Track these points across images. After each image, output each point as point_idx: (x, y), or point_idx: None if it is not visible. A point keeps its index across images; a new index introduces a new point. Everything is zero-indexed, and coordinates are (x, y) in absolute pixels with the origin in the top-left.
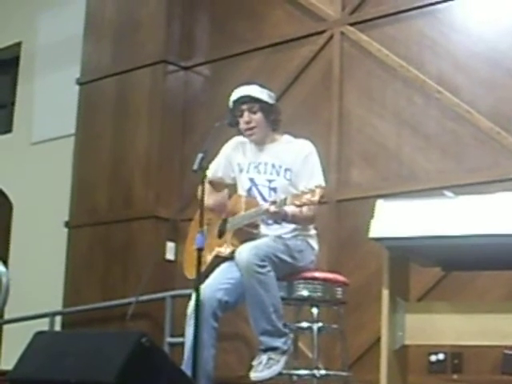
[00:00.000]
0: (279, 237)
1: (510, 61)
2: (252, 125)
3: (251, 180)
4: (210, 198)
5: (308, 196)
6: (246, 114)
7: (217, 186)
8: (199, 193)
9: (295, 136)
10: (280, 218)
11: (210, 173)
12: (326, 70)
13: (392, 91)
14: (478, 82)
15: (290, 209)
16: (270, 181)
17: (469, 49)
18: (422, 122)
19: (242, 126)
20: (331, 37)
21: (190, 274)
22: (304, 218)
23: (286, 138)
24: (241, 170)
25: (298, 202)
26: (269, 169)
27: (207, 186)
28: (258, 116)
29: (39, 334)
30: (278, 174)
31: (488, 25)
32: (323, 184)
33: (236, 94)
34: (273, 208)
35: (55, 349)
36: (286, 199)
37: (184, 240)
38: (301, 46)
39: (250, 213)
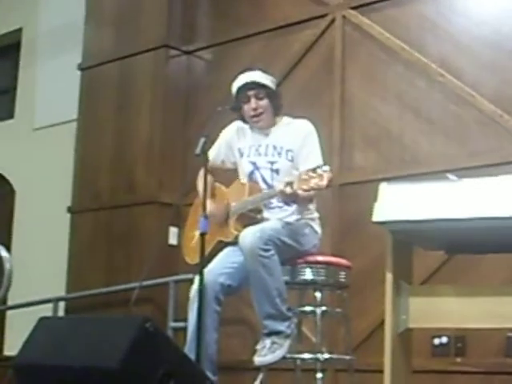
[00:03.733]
0: (282, 220)
1: None
2: (260, 111)
3: (253, 163)
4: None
5: (316, 180)
6: (253, 100)
7: (217, 172)
8: (199, 178)
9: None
10: (292, 199)
11: (210, 158)
12: (328, 54)
13: (394, 74)
14: (481, 65)
15: (300, 191)
16: (271, 162)
17: (471, 31)
18: (424, 106)
19: (249, 112)
20: (333, 20)
21: (191, 259)
22: (309, 198)
23: (285, 119)
24: (241, 155)
25: (305, 187)
26: (270, 150)
27: (208, 179)
28: (265, 102)
29: (43, 319)
30: (279, 156)
31: (490, 7)
32: (322, 163)
33: (241, 80)
34: (288, 189)
35: (59, 334)
36: (292, 183)
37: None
38: (302, 30)
39: (255, 197)
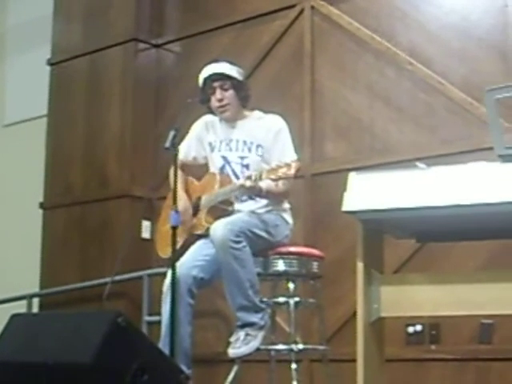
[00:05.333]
0: (253, 212)
1: (482, 31)
2: (225, 102)
3: (224, 158)
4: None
5: (284, 170)
6: (218, 91)
7: (189, 168)
8: (171, 172)
9: (267, 111)
10: (255, 193)
11: (181, 155)
12: (297, 45)
13: (364, 64)
14: (450, 53)
15: (264, 184)
16: (242, 158)
17: (440, 20)
18: (394, 95)
19: (215, 103)
20: (302, 11)
21: (164, 253)
22: (278, 192)
23: (257, 113)
24: (212, 149)
25: (273, 176)
26: (240, 145)
27: (179, 174)
28: (230, 93)
29: (15, 316)
30: (249, 151)
31: None
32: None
33: (207, 72)
34: (248, 183)
35: (32, 331)
36: (261, 174)
37: (158, 219)
38: (271, 21)
39: (224, 190)
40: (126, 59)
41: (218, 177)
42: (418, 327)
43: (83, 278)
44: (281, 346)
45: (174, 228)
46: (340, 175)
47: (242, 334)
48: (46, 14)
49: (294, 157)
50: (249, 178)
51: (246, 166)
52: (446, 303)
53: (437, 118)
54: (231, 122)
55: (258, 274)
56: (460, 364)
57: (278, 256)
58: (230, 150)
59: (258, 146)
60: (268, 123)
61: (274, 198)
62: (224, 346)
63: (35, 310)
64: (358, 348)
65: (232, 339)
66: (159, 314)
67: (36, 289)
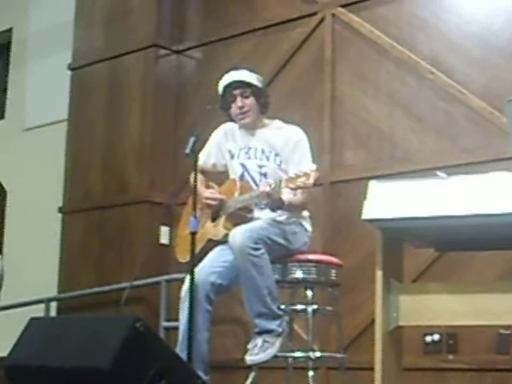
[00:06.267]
0: (272, 219)
1: (503, 40)
2: (245, 109)
3: (243, 165)
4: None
5: (303, 179)
6: (238, 98)
7: (208, 174)
8: (191, 178)
9: (286, 119)
10: (276, 205)
11: (201, 161)
12: (318, 52)
13: (384, 72)
14: (471, 62)
15: (286, 196)
16: (260, 166)
17: (461, 29)
18: (414, 103)
19: (235, 110)
20: (323, 19)
21: (183, 258)
22: (299, 203)
23: (277, 123)
24: (232, 157)
25: (292, 185)
26: (259, 154)
27: (200, 177)
28: (251, 100)
29: (34, 320)
30: (267, 159)
31: (480, 4)
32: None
33: (227, 79)
34: (267, 188)
35: (50, 335)
36: (280, 182)
37: (178, 224)
38: (292, 29)
39: (244, 197)
40: (146, 65)
41: (238, 183)
42: (436, 336)
43: (101, 283)
44: (298, 354)
45: (193, 234)
46: (359, 183)
47: (259, 340)
48: (67, 20)
49: (313, 166)
50: (269, 184)
51: (264, 175)
52: (463, 313)
53: (457, 128)
54: (250, 129)
55: (277, 281)
56: (477, 374)
57: (296, 263)
58: (249, 158)
59: (277, 154)
60: (288, 133)
61: (295, 210)
62: (242, 352)
63: (53, 313)
64: (376, 356)
65: (250, 346)
66: (177, 319)
67: (54, 293)
